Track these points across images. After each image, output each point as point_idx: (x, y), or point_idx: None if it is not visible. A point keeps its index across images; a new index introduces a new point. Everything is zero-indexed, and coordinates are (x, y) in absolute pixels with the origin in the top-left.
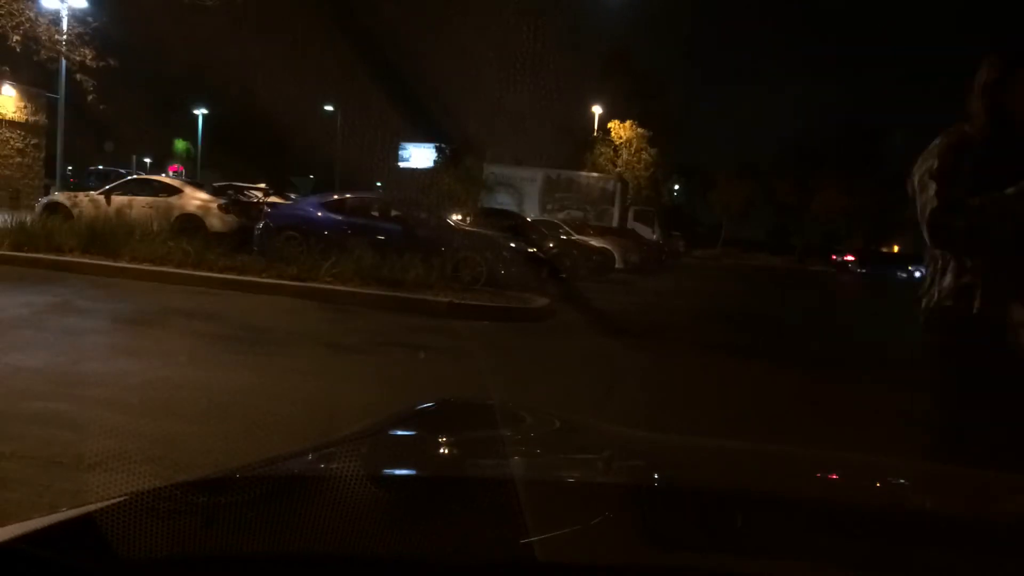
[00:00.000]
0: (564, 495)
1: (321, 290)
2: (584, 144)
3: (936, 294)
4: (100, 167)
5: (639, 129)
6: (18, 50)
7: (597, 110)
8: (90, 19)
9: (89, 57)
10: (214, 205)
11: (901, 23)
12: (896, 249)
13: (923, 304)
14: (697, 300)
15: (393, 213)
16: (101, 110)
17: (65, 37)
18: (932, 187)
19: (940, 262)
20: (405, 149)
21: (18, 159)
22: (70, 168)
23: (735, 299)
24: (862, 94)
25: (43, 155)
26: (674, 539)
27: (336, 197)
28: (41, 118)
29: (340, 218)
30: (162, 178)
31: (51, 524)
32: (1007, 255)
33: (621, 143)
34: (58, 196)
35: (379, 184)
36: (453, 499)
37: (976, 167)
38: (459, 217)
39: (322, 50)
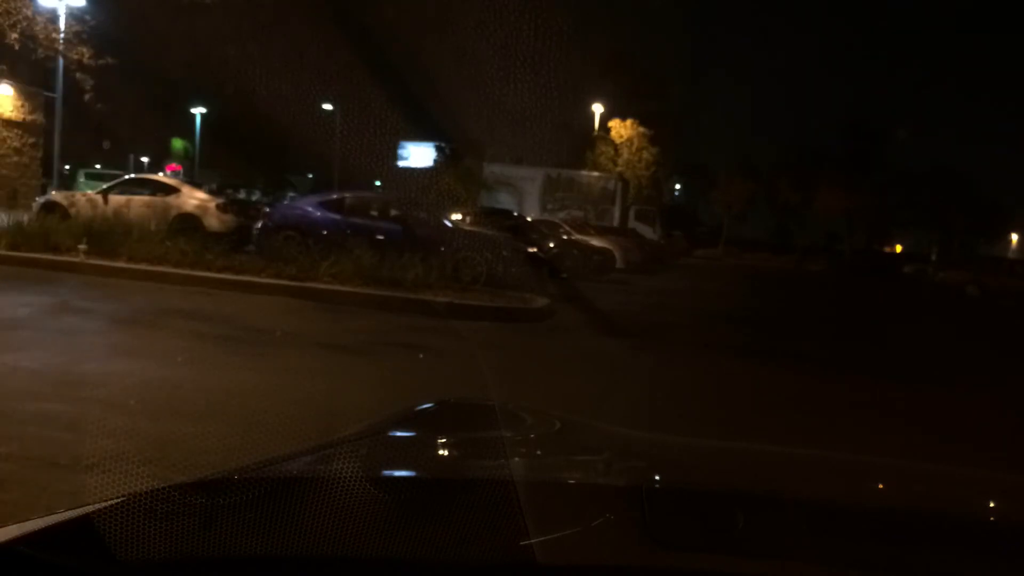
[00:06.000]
0: (564, 496)
1: (320, 290)
2: (584, 143)
3: None
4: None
5: (640, 128)
6: (16, 48)
7: (598, 109)
8: (88, 17)
9: (87, 55)
10: (212, 205)
11: (902, 23)
12: (899, 248)
13: None
14: (698, 300)
15: (392, 212)
16: (98, 109)
17: (62, 35)
18: None
19: None
20: (404, 148)
21: (15, 158)
22: (67, 167)
23: (735, 300)
24: (863, 93)
25: (40, 154)
26: (674, 539)
27: (335, 196)
28: (38, 117)
29: (339, 217)
30: (159, 177)
31: (49, 525)
32: None
33: (622, 142)
34: (55, 196)
35: (378, 183)
36: (453, 500)
37: None
38: (459, 217)
39: (321, 49)
